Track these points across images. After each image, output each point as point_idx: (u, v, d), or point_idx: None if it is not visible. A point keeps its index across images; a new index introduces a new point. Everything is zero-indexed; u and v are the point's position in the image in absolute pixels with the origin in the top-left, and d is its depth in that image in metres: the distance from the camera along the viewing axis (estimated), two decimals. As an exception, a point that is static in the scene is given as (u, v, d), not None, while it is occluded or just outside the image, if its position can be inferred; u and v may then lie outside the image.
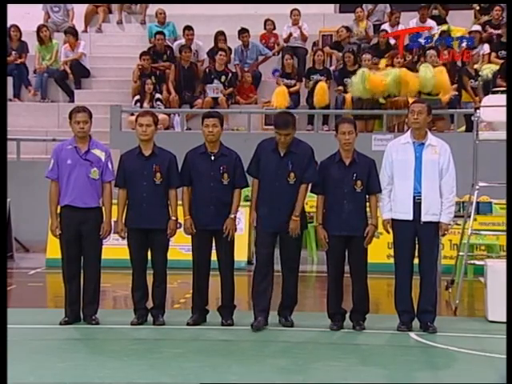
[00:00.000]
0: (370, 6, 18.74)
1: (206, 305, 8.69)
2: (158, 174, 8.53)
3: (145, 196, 8.52)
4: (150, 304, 8.73)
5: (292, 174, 8.43)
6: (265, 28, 18.36)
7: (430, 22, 17.79)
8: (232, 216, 8.50)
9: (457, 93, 16.01)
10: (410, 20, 18.03)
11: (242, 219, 8.72)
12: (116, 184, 8.71)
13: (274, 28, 18.30)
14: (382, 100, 15.87)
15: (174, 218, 8.60)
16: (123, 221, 8.63)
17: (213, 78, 16.88)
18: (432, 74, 15.45)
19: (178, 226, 8.65)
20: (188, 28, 17.79)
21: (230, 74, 17.01)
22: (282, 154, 8.49)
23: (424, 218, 8.29)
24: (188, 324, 8.55)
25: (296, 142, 8.57)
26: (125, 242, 8.74)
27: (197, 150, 8.66)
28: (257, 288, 8.57)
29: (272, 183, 8.43)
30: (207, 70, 17.07)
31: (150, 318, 8.68)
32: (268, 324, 8.51)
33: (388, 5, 18.81)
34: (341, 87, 16.41)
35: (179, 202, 8.64)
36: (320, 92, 16.17)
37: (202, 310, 8.66)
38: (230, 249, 8.62)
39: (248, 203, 9.12)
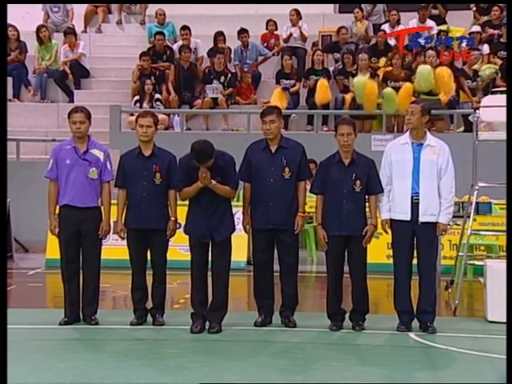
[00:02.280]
0: (368, 7, 18.74)
1: (206, 307, 8.61)
2: (158, 174, 8.52)
3: (144, 196, 8.51)
4: (149, 304, 8.72)
5: (287, 169, 8.44)
6: (267, 28, 18.35)
7: (430, 22, 17.80)
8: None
9: (455, 93, 16.00)
10: (409, 20, 18.03)
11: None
12: (116, 184, 8.70)
13: (276, 29, 18.31)
14: (380, 100, 15.88)
15: (173, 218, 8.60)
16: (123, 221, 8.63)
17: (212, 78, 16.89)
18: (429, 73, 15.43)
19: (178, 226, 8.64)
20: (184, 28, 17.81)
21: (230, 75, 17.01)
22: (273, 151, 8.50)
23: (422, 218, 8.30)
24: (192, 331, 8.23)
25: (285, 139, 8.62)
26: (124, 242, 8.74)
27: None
28: (259, 289, 8.62)
29: (266, 180, 8.43)
30: (206, 70, 17.07)
31: (149, 318, 8.67)
32: (272, 322, 8.56)
33: (387, 5, 18.82)
34: (344, 80, 16.41)
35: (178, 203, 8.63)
36: (322, 89, 16.13)
37: (203, 315, 8.42)
38: (227, 252, 8.37)
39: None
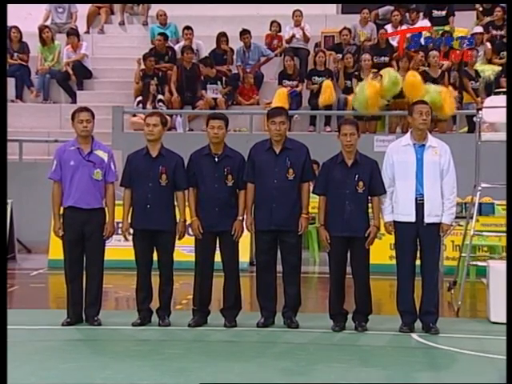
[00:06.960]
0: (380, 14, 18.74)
1: (208, 306, 8.68)
2: (164, 176, 8.48)
3: (149, 197, 8.48)
4: (154, 305, 8.69)
5: (291, 170, 8.45)
6: (270, 29, 18.33)
7: (422, 22, 17.79)
8: (240, 218, 8.50)
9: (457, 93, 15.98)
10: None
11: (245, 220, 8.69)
12: (121, 183, 8.67)
13: (280, 30, 18.30)
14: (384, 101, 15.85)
15: (182, 219, 8.58)
16: (129, 221, 8.60)
17: (211, 83, 16.92)
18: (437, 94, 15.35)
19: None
20: (187, 28, 17.83)
21: (225, 79, 17.04)
22: (277, 152, 8.51)
23: (427, 219, 8.29)
24: (189, 325, 8.54)
25: (289, 140, 8.64)
26: (127, 243, 8.73)
27: (201, 151, 8.65)
28: (261, 290, 8.63)
29: (270, 181, 8.43)
30: (203, 77, 17.03)
31: (154, 318, 8.65)
32: (274, 323, 8.56)
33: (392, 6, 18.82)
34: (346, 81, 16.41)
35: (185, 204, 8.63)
36: (327, 90, 16.11)
37: (203, 312, 8.65)
38: (235, 250, 8.59)
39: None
